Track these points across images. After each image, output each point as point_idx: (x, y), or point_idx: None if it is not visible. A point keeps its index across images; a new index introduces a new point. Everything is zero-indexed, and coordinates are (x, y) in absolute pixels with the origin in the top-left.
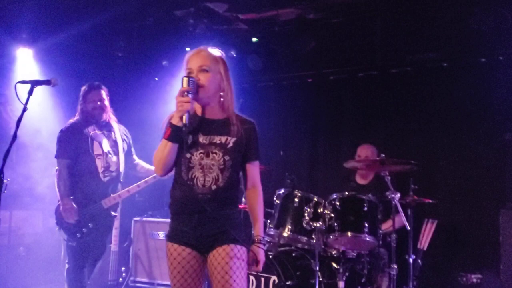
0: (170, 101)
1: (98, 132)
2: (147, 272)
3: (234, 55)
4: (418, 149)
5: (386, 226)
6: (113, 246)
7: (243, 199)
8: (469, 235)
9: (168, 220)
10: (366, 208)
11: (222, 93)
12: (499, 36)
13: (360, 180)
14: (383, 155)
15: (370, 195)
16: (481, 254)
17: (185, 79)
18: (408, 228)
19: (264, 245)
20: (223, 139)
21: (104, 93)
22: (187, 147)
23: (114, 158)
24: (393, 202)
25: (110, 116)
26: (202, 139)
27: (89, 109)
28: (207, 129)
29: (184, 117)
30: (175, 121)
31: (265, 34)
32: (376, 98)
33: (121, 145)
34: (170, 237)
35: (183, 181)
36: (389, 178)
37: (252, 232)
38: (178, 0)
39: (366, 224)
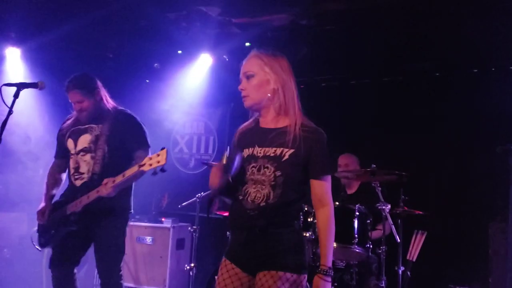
0: (161, 102)
1: (82, 126)
2: (133, 277)
3: (227, 59)
4: (408, 159)
5: (376, 234)
6: None
7: None
8: (459, 248)
9: (156, 224)
10: (355, 219)
11: (272, 95)
12: (492, 47)
13: (347, 190)
14: (374, 166)
15: (359, 205)
16: (470, 266)
17: (225, 155)
18: (398, 240)
19: (330, 277)
20: (278, 151)
21: (79, 93)
22: (243, 160)
23: (87, 157)
24: (384, 214)
25: (105, 105)
26: (257, 151)
27: (75, 111)
28: (263, 140)
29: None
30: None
31: (258, 39)
32: (368, 107)
33: (103, 141)
34: (226, 252)
35: (237, 195)
36: (380, 189)
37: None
38: (170, 2)
39: (356, 235)
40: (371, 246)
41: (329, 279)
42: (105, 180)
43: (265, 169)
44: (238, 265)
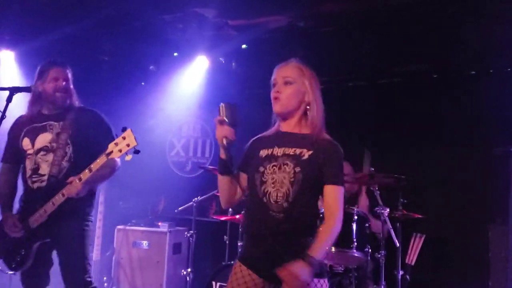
0: (157, 105)
1: (39, 124)
2: (129, 281)
3: (223, 61)
4: (406, 161)
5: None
6: (95, 255)
7: None
8: (458, 251)
9: (152, 228)
10: (354, 223)
11: (308, 107)
12: (489, 49)
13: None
14: (372, 169)
15: (359, 209)
16: (470, 270)
17: (222, 106)
18: (397, 244)
19: (311, 266)
20: (298, 150)
21: (69, 73)
22: (261, 160)
23: (48, 157)
24: (382, 218)
25: (72, 101)
26: (276, 151)
27: (50, 91)
28: (283, 141)
29: (224, 146)
30: (221, 154)
31: (255, 41)
32: (365, 109)
33: (65, 139)
34: (241, 257)
35: (257, 197)
36: (378, 192)
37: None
38: (166, 4)
39: (355, 239)
40: (370, 250)
41: (309, 269)
42: (70, 179)
43: (285, 166)
44: (256, 272)
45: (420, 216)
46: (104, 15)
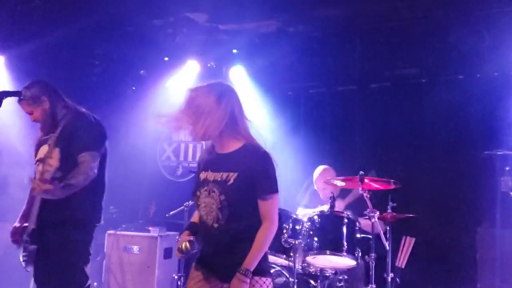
0: (147, 110)
1: (44, 137)
2: (120, 287)
3: (214, 66)
4: (396, 165)
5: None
6: None
7: None
8: (447, 253)
9: (143, 233)
10: (345, 226)
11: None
12: (477, 54)
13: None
14: (362, 173)
15: (348, 213)
16: (459, 272)
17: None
18: (387, 248)
19: (248, 279)
20: (225, 175)
21: (25, 104)
22: (199, 184)
23: (39, 168)
24: (372, 220)
25: (58, 113)
26: (209, 176)
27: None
28: (215, 165)
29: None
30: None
31: (245, 46)
32: (355, 113)
33: (51, 149)
34: (197, 260)
35: (200, 215)
36: (368, 196)
37: None
38: (157, 9)
39: (345, 242)
40: (360, 254)
41: (246, 280)
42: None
43: (213, 193)
44: (209, 271)
45: (410, 215)
46: (95, 19)
